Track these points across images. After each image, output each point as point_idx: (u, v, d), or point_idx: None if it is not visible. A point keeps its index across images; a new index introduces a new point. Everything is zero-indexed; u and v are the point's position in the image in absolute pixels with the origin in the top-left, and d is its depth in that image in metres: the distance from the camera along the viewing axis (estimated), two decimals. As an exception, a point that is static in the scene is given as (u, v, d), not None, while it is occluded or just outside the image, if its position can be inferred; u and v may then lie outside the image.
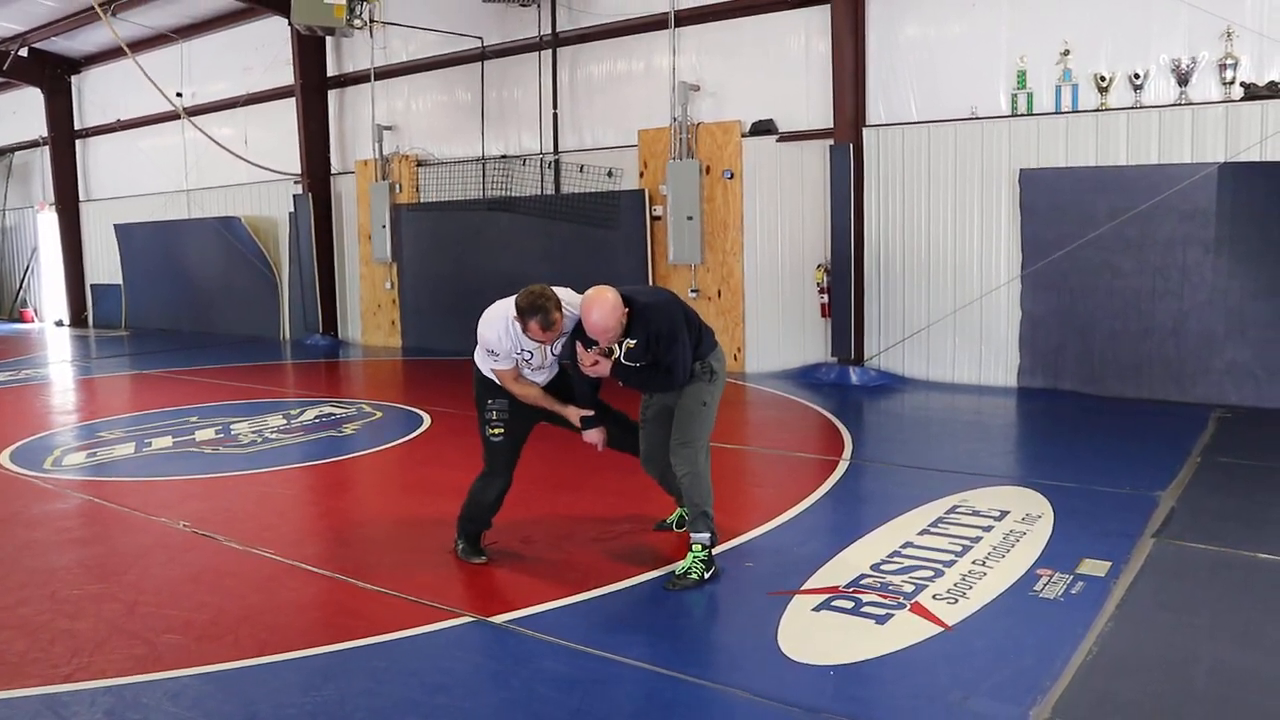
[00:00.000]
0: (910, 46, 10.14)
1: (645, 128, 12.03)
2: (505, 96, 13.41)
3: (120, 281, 19.29)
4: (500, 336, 4.56)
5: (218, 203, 17.15)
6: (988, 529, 5.26)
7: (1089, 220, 9.12)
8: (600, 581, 4.56)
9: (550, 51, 12.75)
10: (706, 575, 4.53)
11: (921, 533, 5.23)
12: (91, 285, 20.28)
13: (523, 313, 4.40)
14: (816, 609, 4.22)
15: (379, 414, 9.19)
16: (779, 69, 11.03)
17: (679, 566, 4.58)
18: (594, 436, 4.86)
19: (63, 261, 20.21)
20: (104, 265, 19.88)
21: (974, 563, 4.75)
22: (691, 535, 4.60)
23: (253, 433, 8.32)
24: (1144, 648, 3.81)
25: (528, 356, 4.68)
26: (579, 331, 4.56)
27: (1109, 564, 4.69)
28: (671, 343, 4.44)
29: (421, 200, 14.25)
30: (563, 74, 12.80)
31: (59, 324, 20.65)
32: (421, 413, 9.13)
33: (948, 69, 9.95)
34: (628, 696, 3.49)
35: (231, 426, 8.60)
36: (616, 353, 4.52)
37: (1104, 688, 3.48)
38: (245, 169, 15.97)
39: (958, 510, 5.62)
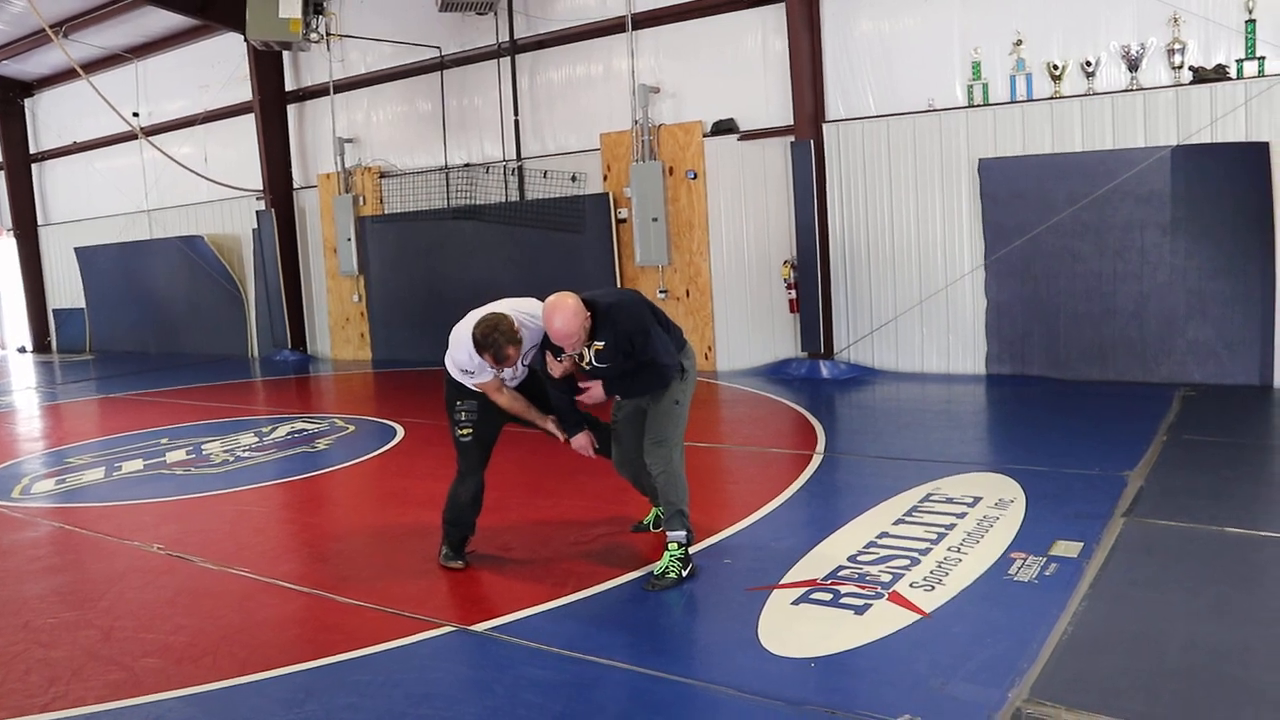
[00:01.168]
0: (865, 41, 10.23)
1: (607, 131, 12.05)
2: (466, 105, 13.39)
3: (83, 305, 19.04)
4: (471, 355, 4.58)
5: (180, 222, 16.98)
6: (961, 515, 5.32)
7: (1048, 206, 9.25)
8: (580, 585, 4.58)
9: (509, 58, 12.74)
10: (684, 573, 4.55)
11: (897, 522, 5.28)
12: (54, 310, 20.01)
13: (478, 347, 4.44)
14: (795, 602, 4.26)
15: (351, 428, 9.14)
16: (737, 68, 11.09)
17: (657, 566, 4.60)
18: (581, 441, 4.88)
19: (23, 287, 19.93)
20: (66, 289, 19.62)
21: (949, 549, 4.80)
22: (668, 534, 4.62)
23: (225, 452, 8.26)
24: (1118, 625, 3.87)
25: (500, 373, 4.71)
26: (546, 343, 4.58)
27: (1081, 544, 4.76)
28: (645, 337, 4.45)
29: (386, 211, 14.19)
30: (522, 80, 12.80)
31: (21, 350, 20.36)
32: (394, 425, 9.10)
33: (903, 62, 10.05)
34: (612, 698, 3.50)
35: (203, 447, 8.52)
36: (586, 357, 4.53)
37: (1080, 667, 3.53)
38: (206, 187, 15.83)
39: (932, 499, 5.68)
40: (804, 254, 10.53)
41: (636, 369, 4.53)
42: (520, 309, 4.63)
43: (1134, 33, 8.79)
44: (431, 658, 3.89)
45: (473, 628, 4.15)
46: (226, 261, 15.98)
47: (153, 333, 17.69)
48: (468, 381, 4.77)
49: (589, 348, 4.49)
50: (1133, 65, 8.80)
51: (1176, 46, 8.59)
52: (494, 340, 4.37)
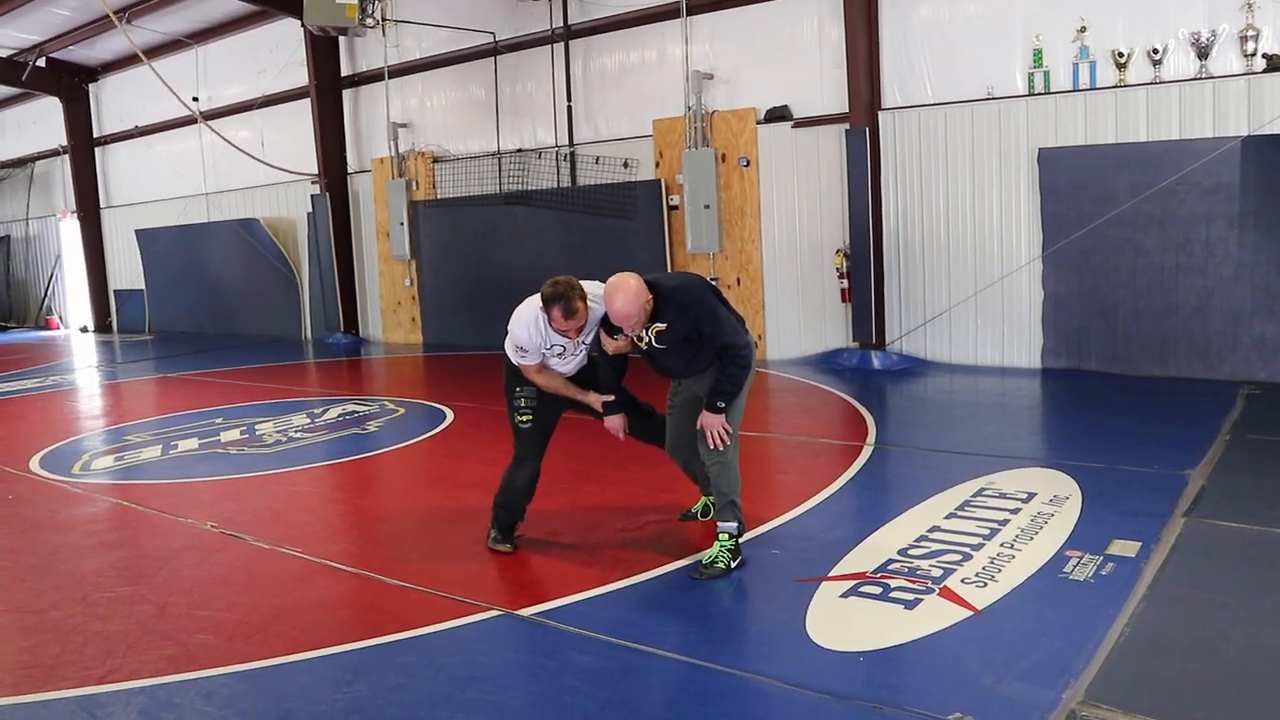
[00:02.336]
0: (924, 28, 10.05)
1: (660, 117, 12.00)
2: (519, 90, 13.41)
3: (143, 286, 19.46)
4: (530, 333, 4.60)
5: (236, 205, 17.26)
6: (1015, 511, 5.22)
7: (1110, 198, 9.03)
8: (628, 571, 4.57)
9: (563, 44, 12.74)
10: (733, 564, 4.52)
11: (949, 516, 5.20)
12: (115, 291, 20.47)
13: (546, 301, 4.45)
14: (844, 595, 4.20)
15: (401, 410, 9.23)
16: (792, 55, 10.97)
17: (706, 555, 4.57)
18: (614, 423, 4.88)
19: (86, 268, 20.41)
20: (126, 270, 20.07)
21: (1002, 545, 4.72)
22: (719, 524, 4.59)
23: (277, 432, 8.38)
24: (1177, 628, 3.77)
25: (558, 350, 4.71)
26: (607, 322, 4.58)
27: (1139, 544, 4.64)
28: (715, 319, 4.46)
29: (438, 196, 14.28)
30: (576, 66, 12.79)
31: (84, 330, 20.86)
32: (443, 408, 9.16)
33: (962, 50, 9.86)
34: (658, 687, 3.49)
35: (256, 427, 8.66)
36: (645, 338, 4.52)
37: (1137, 669, 3.45)
38: (263, 171, 16.05)
39: (984, 493, 5.58)
40: (857, 243, 10.40)
41: (703, 353, 4.52)
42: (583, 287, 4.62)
43: (1204, 19, 8.53)
44: (477, 641, 3.91)
45: (519, 612, 4.15)
46: (281, 244, 16.21)
47: (209, 314, 18.02)
48: (517, 360, 4.76)
49: (649, 329, 4.47)
50: (1202, 53, 8.55)
51: (1250, 33, 8.32)
52: (564, 293, 4.38)
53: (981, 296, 9.96)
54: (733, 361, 4.50)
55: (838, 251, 10.79)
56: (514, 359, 4.80)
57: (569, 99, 12.85)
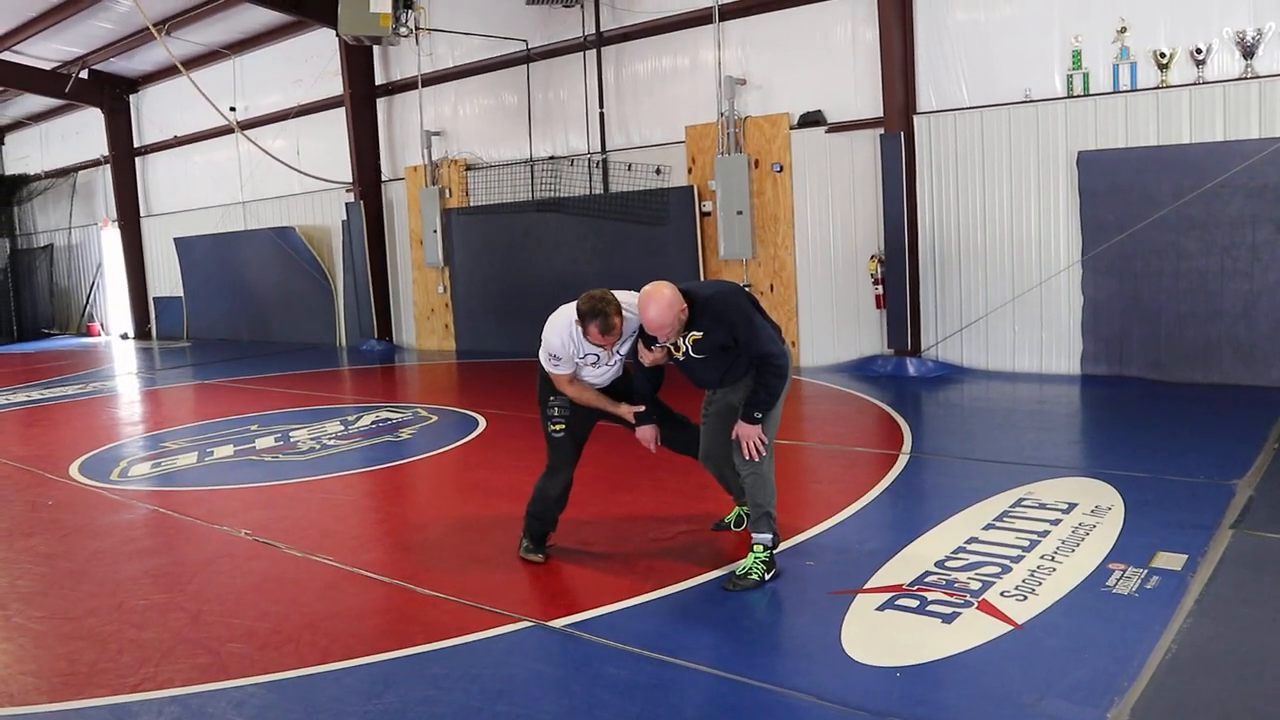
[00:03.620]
0: (960, 30, 9.93)
1: (692, 123, 11.97)
2: (551, 98, 13.43)
3: (181, 294, 19.72)
4: (564, 342, 4.58)
5: (273, 213, 17.43)
6: (1055, 522, 5.11)
7: (1152, 201, 8.86)
8: (660, 582, 4.52)
9: (595, 51, 12.74)
10: (767, 576, 4.46)
11: (987, 527, 5.10)
12: (154, 298, 20.76)
13: (583, 317, 4.42)
14: (880, 608, 4.13)
15: (434, 418, 9.24)
16: (826, 59, 10.90)
17: (739, 567, 4.51)
18: (646, 434, 4.84)
19: (126, 276, 20.73)
20: (165, 278, 20.35)
21: (1042, 558, 4.61)
22: (753, 535, 4.53)
23: (311, 439, 8.42)
24: (1225, 645, 3.66)
25: (592, 360, 4.68)
26: (644, 332, 4.55)
27: (1185, 557, 4.53)
28: (751, 327, 4.41)
29: (471, 204, 14.33)
30: (608, 73, 12.78)
31: (124, 337, 21.16)
32: (476, 415, 9.17)
33: (999, 52, 9.73)
34: (690, 701, 3.43)
35: (291, 434, 8.71)
36: (683, 347, 4.48)
37: (1184, 688, 3.34)
38: (299, 179, 16.21)
39: (1024, 503, 5.48)
40: (892, 249, 10.29)
41: (739, 362, 4.49)
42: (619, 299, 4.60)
43: (1250, 17, 8.36)
44: (508, 653, 3.88)
45: (550, 623, 4.12)
46: (316, 252, 16.35)
47: (245, 321, 18.22)
48: (549, 369, 4.74)
49: (684, 338, 4.43)
50: (1248, 52, 8.37)
51: (1296, 32, 8.15)
52: (601, 310, 4.37)
53: (1019, 302, 9.81)
54: (769, 371, 4.45)
55: (872, 257, 10.69)
56: (547, 367, 4.77)
57: (601, 105, 12.84)
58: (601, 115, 12.86)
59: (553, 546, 5.06)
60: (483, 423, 8.83)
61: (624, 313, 4.52)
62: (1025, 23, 9.53)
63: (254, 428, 9.15)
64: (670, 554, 4.98)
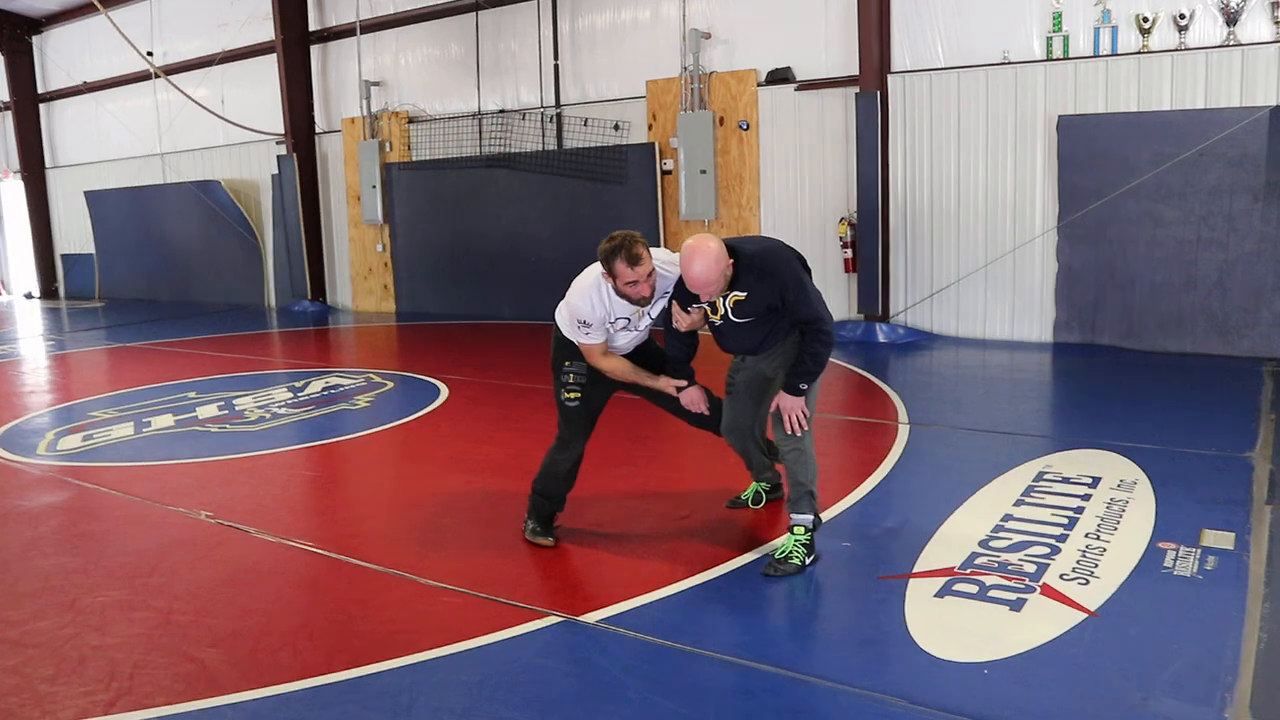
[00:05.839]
0: (937, -12, 9.64)
1: (653, 78, 11.47)
2: (501, 49, 12.78)
3: (93, 250, 18.48)
4: (594, 305, 4.13)
5: (195, 166, 16.38)
6: (1086, 498, 4.88)
7: (1130, 168, 8.72)
8: (691, 568, 4.14)
9: (550, 1, 12.10)
10: (808, 560, 4.11)
11: (1017, 503, 4.84)
12: (62, 255, 19.45)
13: (606, 258, 3.98)
14: (939, 594, 3.82)
15: (390, 384, 8.68)
16: (795, 15, 10.52)
17: (778, 549, 4.15)
18: (695, 395, 4.43)
19: (30, 231, 19.34)
20: (74, 233, 19.06)
21: (1087, 536, 4.37)
22: (793, 516, 4.17)
23: (259, 408, 7.80)
24: (1317, 632, 3.44)
25: (622, 324, 4.23)
26: (677, 292, 4.13)
27: (1233, 535, 4.33)
28: (801, 289, 4.02)
29: (414, 158, 13.61)
30: (563, 24, 12.20)
31: (28, 296, 19.83)
32: (435, 381, 8.63)
33: (977, 12, 9.47)
34: (767, 707, 3.05)
35: (235, 402, 8.06)
36: (721, 309, 4.07)
37: (1294, 682, 3.10)
38: (222, 130, 15.25)
39: (1046, 477, 5.24)
40: (865, 212, 10.01)
41: (780, 326, 4.11)
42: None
43: (1235, -18, 8.22)
44: (544, 654, 3.45)
45: (582, 619, 3.70)
46: (243, 207, 15.42)
47: (165, 280, 17.17)
48: (579, 338, 4.28)
49: (724, 298, 4.02)
50: (1231, 19, 8.24)
51: (1281, -2, 8.03)
52: (623, 243, 3.94)
53: (992, 268, 9.64)
54: (817, 338, 4.07)
55: (842, 220, 10.40)
56: (575, 337, 4.30)
57: (556, 58, 12.25)
58: (556, 68, 12.27)
59: (559, 528, 4.64)
60: (444, 389, 8.30)
61: (658, 268, 4.10)
62: (1005, -19, 9.27)
63: (192, 395, 8.47)
64: (692, 535, 4.60)
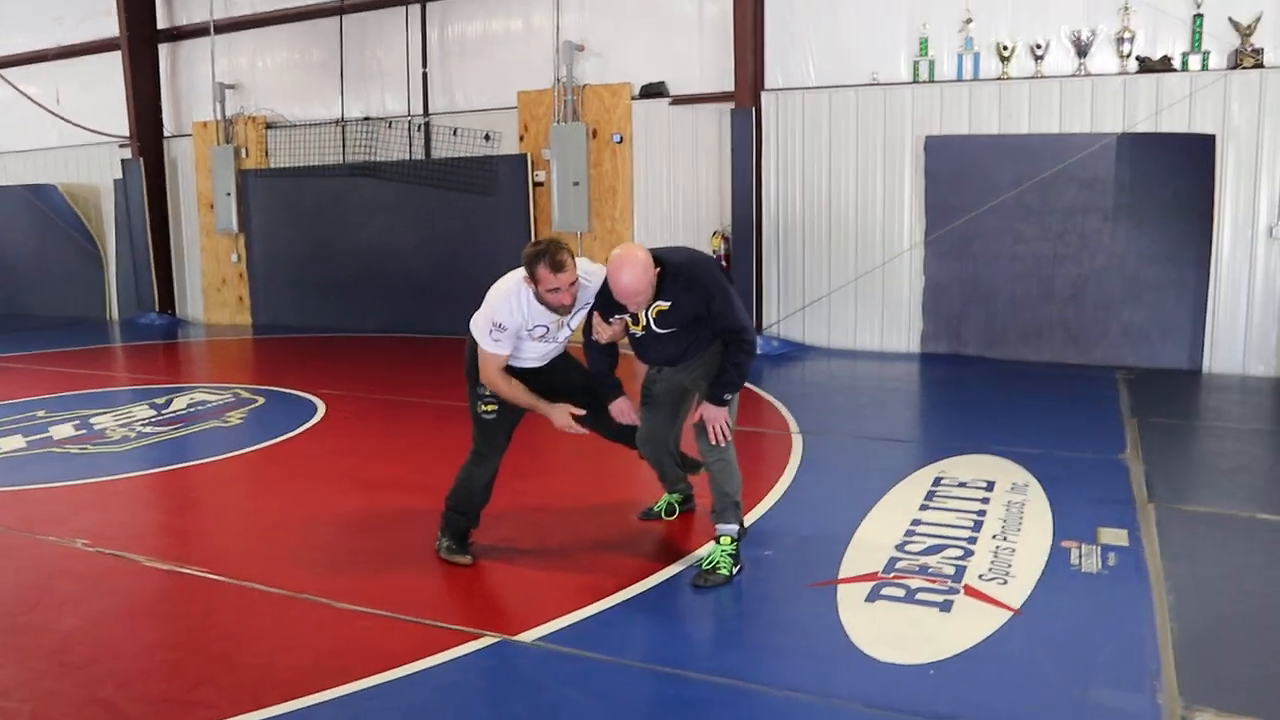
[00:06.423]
0: (808, 9, 9.90)
1: (525, 89, 11.36)
2: (368, 55, 12.39)
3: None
4: (512, 310, 4.00)
5: (26, 168, 15.17)
6: (985, 501, 5.08)
7: (992, 187, 9.20)
8: (620, 582, 4.06)
9: (419, 6, 11.85)
10: (734, 570, 4.11)
11: (922, 508, 5.00)
12: None
13: (529, 262, 3.90)
14: (869, 599, 3.89)
15: (260, 400, 8.23)
16: (670, 30, 10.63)
17: (705, 560, 4.14)
18: (623, 406, 4.33)
19: None
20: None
21: (994, 537, 4.55)
22: (719, 526, 4.17)
23: (121, 427, 7.26)
24: (1221, 619, 3.70)
25: (540, 332, 4.12)
26: (598, 303, 4.07)
27: (1126, 531, 4.60)
28: (726, 298, 4.02)
29: (272, 165, 13.03)
30: (432, 31, 11.94)
31: None
32: (309, 397, 8.25)
33: (848, 34, 9.79)
34: (726, 718, 3.03)
35: (92, 420, 7.48)
36: (643, 319, 4.03)
37: (1212, 666, 3.31)
38: (58, 132, 14.21)
39: (943, 482, 5.43)
40: (738, 226, 10.18)
41: (702, 337, 4.08)
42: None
43: (1084, 18, 8.79)
44: (487, 676, 3.33)
45: (518, 638, 3.57)
46: (82, 214, 14.37)
47: (-10, 290, 15.80)
48: (488, 343, 4.12)
49: (647, 309, 3.98)
50: (1082, 51, 8.81)
51: (1126, 35, 8.63)
52: (544, 247, 3.87)
53: (862, 281, 9.97)
54: (740, 348, 4.08)
55: (715, 233, 10.56)
56: (484, 341, 4.16)
57: (424, 65, 11.98)
58: (425, 76, 11.99)
59: (474, 544, 4.48)
60: (320, 405, 7.94)
61: (581, 279, 4.03)
62: (874, 6, 9.61)
63: (40, 414, 7.80)
64: (611, 548, 4.54)
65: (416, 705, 3.12)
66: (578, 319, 4.22)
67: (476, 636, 3.59)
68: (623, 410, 4.34)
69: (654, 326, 4.08)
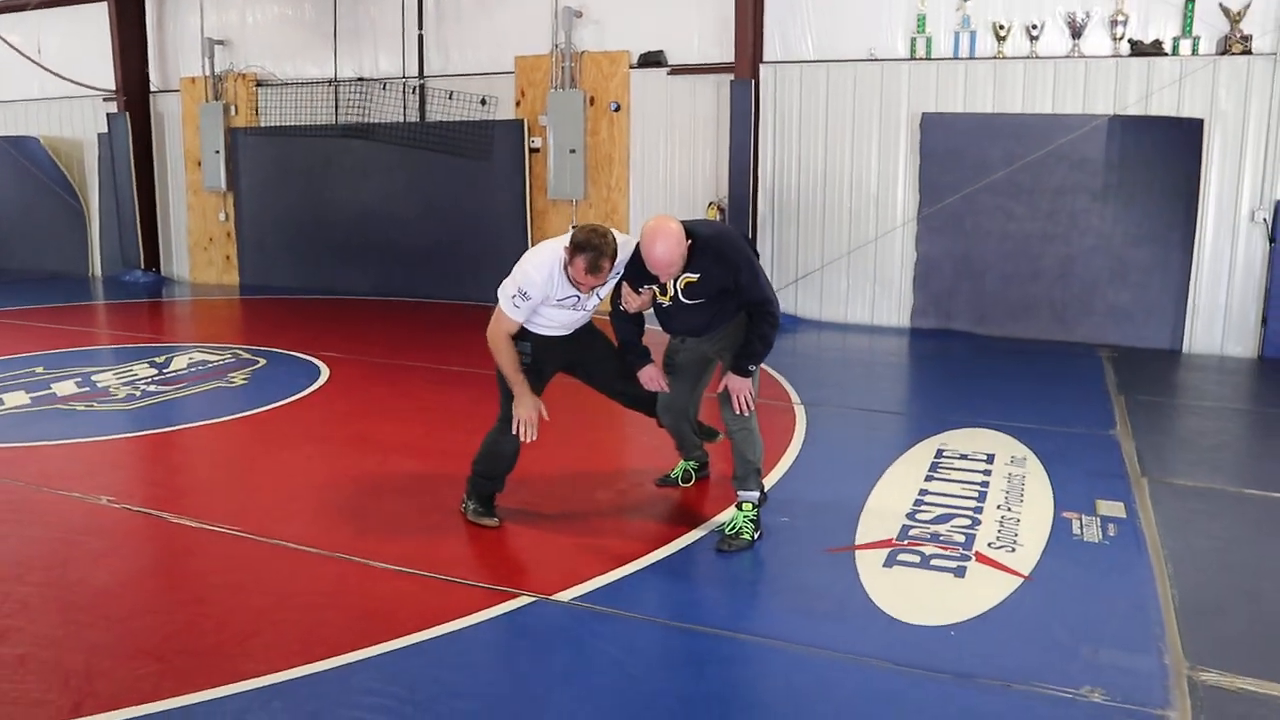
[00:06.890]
0: (809, -17, 9.98)
1: (523, 54, 11.35)
2: (360, 13, 12.28)
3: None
4: (546, 279, 4.09)
5: (4, 120, 14.94)
6: (987, 473, 5.27)
7: (985, 165, 9.35)
8: (647, 546, 4.22)
9: (415, -34, 11.77)
10: (756, 535, 4.27)
11: (928, 478, 5.18)
12: None
13: (576, 247, 4.00)
14: (886, 564, 4.06)
15: (262, 361, 8.27)
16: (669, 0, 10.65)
17: (728, 526, 4.30)
18: (651, 373, 4.47)
19: None
20: None
21: (999, 508, 4.74)
22: (741, 493, 4.32)
23: (124, 385, 7.29)
24: (1218, 586, 3.93)
25: (571, 302, 4.24)
26: (629, 273, 4.18)
27: (1122, 504, 4.80)
28: (753, 271, 4.15)
29: (262, 124, 12.92)
30: (429, -9, 11.87)
31: None
32: (312, 359, 8.29)
33: (847, 9, 9.86)
34: (758, 674, 3.20)
35: (94, 378, 7.49)
36: (671, 290, 4.15)
37: (1213, 630, 3.51)
38: (39, 83, 13.97)
39: (945, 454, 5.61)
40: (734, 197, 10.28)
41: (728, 308, 4.20)
42: None
43: (1079, 0, 8.92)
44: (529, 633, 3.47)
45: (555, 597, 3.72)
46: (65, 168, 14.18)
47: (-34, 245, 15.58)
48: (509, 305, 4.19)
49: (675, 280, 4.10)
50: (1076, 32, 8.94)
51: (1119, 18, 8.77)
52: (598, 244, 3.97)
53: (855, 255, 10.12)
54: (765, 320, 4.21)
55: (710, 204, 10.65)
56: (504, 304, 4.21)
57: (420, 27, 11.91)
58: (420, 37, 11.92)
59: (499, 507, 4.60)
60: (324, 367, 8.00)
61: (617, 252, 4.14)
62: (874, -18, 9.71)
63: (40, 370, 7.80)
64: (633, 513, 4.69)
65: (464, 660, 3.26)
66: (606, 288, 4.33)
67: (514, 595, 3.72)
68: (652, 377, 4.46)
69: (682, 297, 4.19)
